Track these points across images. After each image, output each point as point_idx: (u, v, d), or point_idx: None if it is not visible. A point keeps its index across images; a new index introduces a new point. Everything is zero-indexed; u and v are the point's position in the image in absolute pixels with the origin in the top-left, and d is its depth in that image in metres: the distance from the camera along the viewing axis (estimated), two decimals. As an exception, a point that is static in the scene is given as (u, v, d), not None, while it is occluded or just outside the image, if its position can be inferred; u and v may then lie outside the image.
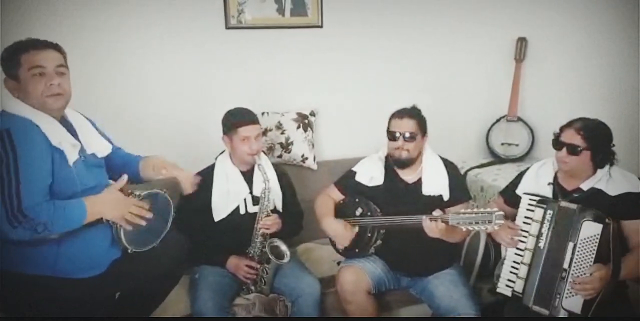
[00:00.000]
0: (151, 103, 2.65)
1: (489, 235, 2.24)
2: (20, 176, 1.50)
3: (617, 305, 1.86)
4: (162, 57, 2.63)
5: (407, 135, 2.14)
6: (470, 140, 3.32)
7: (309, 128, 2.82)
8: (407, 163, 2.18)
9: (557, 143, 1.92)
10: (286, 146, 2.76)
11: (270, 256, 2.21)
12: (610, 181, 1.91)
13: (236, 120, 2.22)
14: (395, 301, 2.28)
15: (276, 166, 2.41)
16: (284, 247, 2.22)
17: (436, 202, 2.14)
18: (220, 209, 2.25)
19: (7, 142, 1.51)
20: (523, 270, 1.95)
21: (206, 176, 2.29)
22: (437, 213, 1.99)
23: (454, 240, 2.13)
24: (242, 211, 2.27)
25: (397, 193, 2.21)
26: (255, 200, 2.26)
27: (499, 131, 3.21)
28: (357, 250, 2.23)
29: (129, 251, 1.75)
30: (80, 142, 1.71)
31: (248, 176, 2.29)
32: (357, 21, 2.93)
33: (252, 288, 2.23)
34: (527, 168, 2.12)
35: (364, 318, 2.16)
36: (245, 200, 2.27)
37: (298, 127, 2.78)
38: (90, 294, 1.70)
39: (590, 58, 2.90)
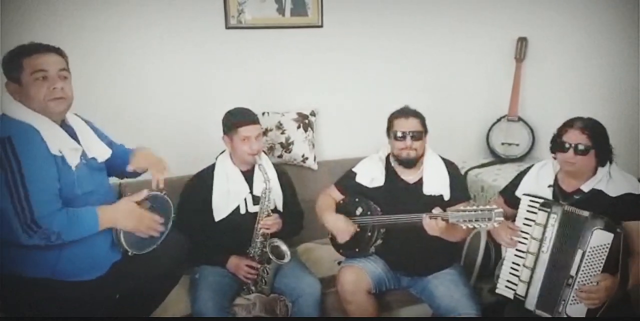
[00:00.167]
0: (151, 103, 2.64)
1: (489, 235, 2.24)
2: (28, 184, 1.50)
3: (617, 305, 1.86)
4: (162, 57, 2.63)
5: (415, 134, 2.14)
6: (470, 140, 3.32)
7: (309, 128, 2.82)
8: (413, 163, 2.18)
9: (561, 145, 1.89)
10: (286, 146, 2.76)
11: (270, 256, 2.21)
12: (611, 182, 1.90)
13: (237, 120, 2.21)
14: (396, 301, 2.28)
15: (276, 166, 2.41)
16: (284, 247, 2.22)
17: (437, 202, 2.14)
18: (221, 209, 2.25)
19: (9, 150, 1.51)
20: (525, 274, 1.94)
21: (206, 176, 2.29)
22: (437, 211, 1.99)
23: (454, 238, 2.13)
24: (242, 211, 2.27)
25: (398, 193, 2.21)
26: (256, 200, 2.26)
27: (500, 131, 3.21)
28: (357, 250, 2.23)
29: (129, 253, 1.75)
30: (81, 146, 1.71)
31: (248, 176, 2.29)
32: (357, 21, 2.93)
33: (253, 288, 2.23)
34: (527, 168, 2.12)
35: (364, 318, 2.16)
36: (245, 199, 2.27)
37: (298, 127, 2.78)
38: (90, 296, 1.70)
39: (590, 58, 2.90)
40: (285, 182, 2.39)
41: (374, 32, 2.97)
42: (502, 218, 1.88)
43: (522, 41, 3.12)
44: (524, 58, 3.13)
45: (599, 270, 1.79)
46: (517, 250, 1.98)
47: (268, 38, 2.79)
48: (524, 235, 1.96)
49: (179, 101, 2.70)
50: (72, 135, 1.71)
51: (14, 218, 1.49)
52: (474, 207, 1.91)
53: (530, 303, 1.93)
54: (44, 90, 1.61)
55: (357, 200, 2.24)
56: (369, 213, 2.19)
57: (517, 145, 3.17)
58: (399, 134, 2.15)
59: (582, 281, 1.81)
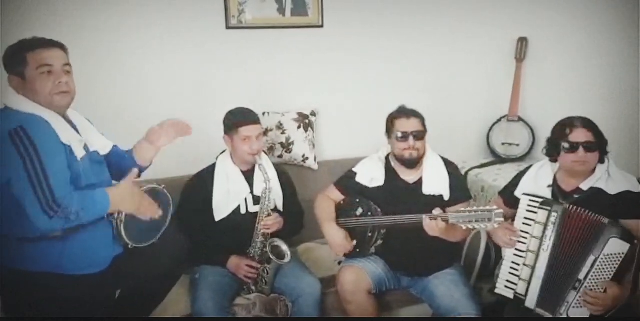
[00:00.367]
0: (151, 103, 2.64)
1: (489, 236, 2.24)
2: (46, 167, 1.52)
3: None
4: (162, 57, 2.63)
5: (417, 134, 2.15)
6: (470, 140, 3.32)
7: (309, 128, 2.82)
8: (415, 163, 2.18)
9: (570, 146, 1.87)
10: (287, 146, 2.76)
11: (270, 256, 2.21)
12: (610, 180, 1.90)
13: (237, 119, 2.22)
14: (396, 301, 2.28)
15: (276, 165, 2.41)
16: (284, 247, 2.21)
17: (437, 202, 2.14)
18: (221, 209, 2.25)
19: (24, 138, 1.52)
20: (526, 272, 1.94)
21: (206, 176, 2.29)
22: (437, 211, 1.99)
23: (454, 239, 2.13)
24: (242, 211, 2.27)
25: (398, 193, 2.21)
26: (256, 200, 2.26)
27: (500, 131, 3.21)
28: (357, 250, 2.23)
29: (130, 246, 1.76)
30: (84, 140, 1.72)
31: (249, 176, 2.29)
32: (358, 21, 2.93)
33: (253, 288, 2.23)
34: (526, 169, 2.12)
35: (364, 318, 2.16)
36: (246, 199, 2.27)
37: (299, 127, 2.78)
38: (91, 292, 1.70)
39: (590, 58, 2.90)
40: (285, 181, 2.39)
41: (374, 32, 2.97)
42: (502, 219, 1.88)
43: (523, 41, 3.12)
44: (524, 58, 3.13)
45: (608, 278, 1.78)
46: (516, 249, 1.98)
47: (268, 38, 2.79)
48: (523, 234, 1.96)
49: (179, 101, 2.69)
50: (74, 128, 1.73)
51: (34, 203, 1.50)
52: (474, 208, 1.91)
53: (531, 302, 1.92)
54: (49, 84, 1.63)
55: (357, 200, 2.24)
56: (369, 213, 2.19)
57: (518, 145, 3.17)
58: (402, 134, 2.15)
59: (589, 286, 1.80)
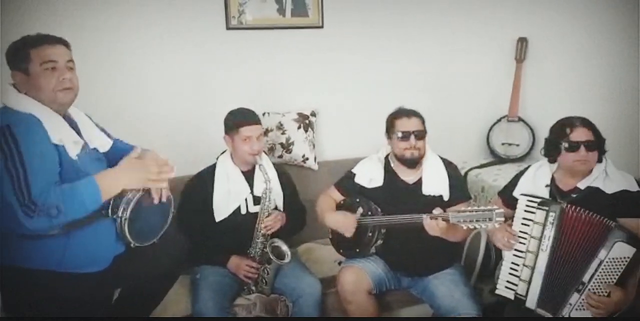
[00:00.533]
0: (151, 103, 2.64)
1: (488, 236, 2.24)
2: (27, 167, 1.51)
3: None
4: (162, 57, 2.63)
5: (418, 133, 2.15)
6: (470, 140, 3.32)
7: (309, 129, 2.81)
8: (416, 163, 2.18)
9: (571, 146, 1.88)
10: (287, 146, 2.76)
11: (271, 256, 2.21)
12: (607, 179, 1.91)
13: (238, 120, 2.22)
14: (396, 301, 2.28)
15: (277, 165, 2.41)
16: (284, 247, 2.21)
17: (436, 202, 2.14)
18: (222, 209, 2.25)
19: (8, 137, 1.51)
20: (526, 273, 1.94)
21: (207, 176, 2.29)
22: (437, 211, 1.99)
23: (454, 238, 2.13)
24: (243, 211, 2.27)
25: (397, 194, 2.21)
26: (256, 200, 2.26)
27: (500, 131, 3.21)
28: (357, 250, 2.23)
29: (132, 245, 1.75)
30: (83, 138, 1.72)
31: (249, 176, 2.29)
32: (358, 21, 2.93)
33: (253, 288, 2.23)
34: (525, 169, 2.12)
35: (364, 318, 2.16)
36: (246, 200, 2.27)
37: (299, 128, 2.78)
38: (91, 290, 1.70)
39: (590, 58, 2.90)
40: (285, 181, 2.39)
41: (374, 32, 2.97)
42: (502, 219, 1.87)
43: (523, 41, 3.12)
44: (525, 58, 3.13)
45: (612, 281, 1.78)
46: (516, 250, 1.97)
47: (268, 38, 2.79)
48: (522, 235, 1.96)
49: (179, 101, 2.70)
50: (74, 127, 1.72)
51: (15, 203, 1.49)
52: (475, 208, 1.90)
53: (531, 302, 1.92)
54: (53, 80, 1.62)
55: (357, 200, 2.24)
56: (369, 213, 2.19)
57: (518, 145, 3.17)
58: (403, 134, 2.15)
59: (593, 289, 1.80)
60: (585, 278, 1.81)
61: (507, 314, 2.05)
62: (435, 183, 2.20)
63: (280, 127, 2.76)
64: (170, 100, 2.68)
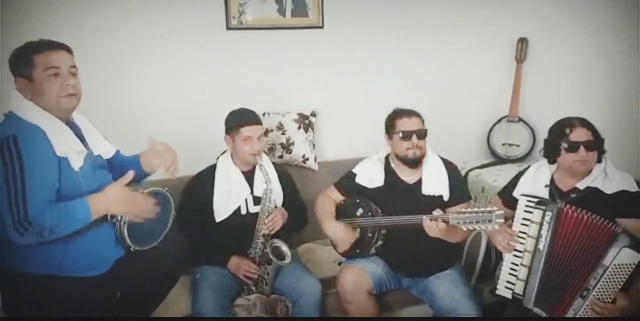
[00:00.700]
0: (151, 103, 2.64)
1: (488, 237, 2.24)
2: (27, 184, 1.51)
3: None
4: (162, 57, 2.63)
5: (420, 132, 2.15)
6: (471, 140, 3.32)
7: (309, 129, 2.81)
8: (418, 162, 2.18)
9: (571, 146, 1.88)
10: (287, 146, 2.76)
11: (271, 257, 2.21)
12: (606, 179, 1.91)
13: (239, 120, 2.22)
14: (396, 301, 2.28)
15: (277, 165, 2.41)
16: (284, 248, 2.21)
17: (436, 203, 2.14)
18: (222, 209, 2.25)
19: (12, 149, 1.52)
20: (523, 272, 1.94)
21: (207, 176, 2.29)
22: (437, 212, 1.99)
23: (454, 239, 2.13)
24: (243, 211, 2.27)
25: (397, 194, 2.21)
26: (256, 200, 2.26)
27: (500, 131, 3.21)
28: (357, 251, 2.23)
29: (132, 249, 1.75)
30: (86, 145, 1.72)
31: (249, 176, 2.29)
32: (358, 22, 2.93)
33: (253, 288, 2.23)
34: (525, 169, 2.12)
35: (364, 319, 2.16)
36: (246, 200, 2.27)
37: (299, 128, 2.78)
38: (91, 294, 1.70)
39: (590, 58, 2.90)
40: (286, 181, 2.39)
41: (374, 32, 2.97)
42: (502, 220, 1.87)
43: (523, 42, 3.12)
44: (525, 59, 3.13)
45: (616, 288, 1.77)
46: (515, 250, 1.98)
47: (269, 39, 2.79)
48: (521, 235, 1.96)
49: (179, 101, 2.69)
50: (78, 134, 1.72)
51: (8, 217, 1.49)
52: (475, 209, 1.90)
53: (528, 301, 1.92)
54: (57, 86, 1.63)
55: (357, 201, 2.24)
56: (369, 214, 2.19)
57: (518, 145, 3.17)
58: (405, 133, 2.15)
59: (597, 295, 1.79)
60: (590, 284, 1.80)
61: (507, 314, 2.05)
62: (435, 183, 2.20)
63: (280, 127, 2.76)
64: (171, 100, 2.68)
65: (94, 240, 1.68)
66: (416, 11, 3.02)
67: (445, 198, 2.19)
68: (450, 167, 2.26)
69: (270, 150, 2.74)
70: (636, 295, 1.76)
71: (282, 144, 2.75)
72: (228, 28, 2.71)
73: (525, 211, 1.96)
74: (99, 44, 2.48)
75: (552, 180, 2.00)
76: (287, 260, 2.20)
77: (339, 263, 2.32)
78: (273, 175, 2.28)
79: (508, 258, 2.00)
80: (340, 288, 2.16)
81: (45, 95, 1.62)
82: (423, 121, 2.21)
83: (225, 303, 2.12)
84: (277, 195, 2.30)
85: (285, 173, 2.44)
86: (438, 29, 3.09)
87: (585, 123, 1.91)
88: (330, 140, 3.01)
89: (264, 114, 2.71)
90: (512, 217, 2.02)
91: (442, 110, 3.05)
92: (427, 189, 2.19)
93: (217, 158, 2.34)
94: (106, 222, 1.68)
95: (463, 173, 2.90)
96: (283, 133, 2.76)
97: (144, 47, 2.58)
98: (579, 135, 1.88)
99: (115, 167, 1.89)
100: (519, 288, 1.95)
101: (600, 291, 1.79)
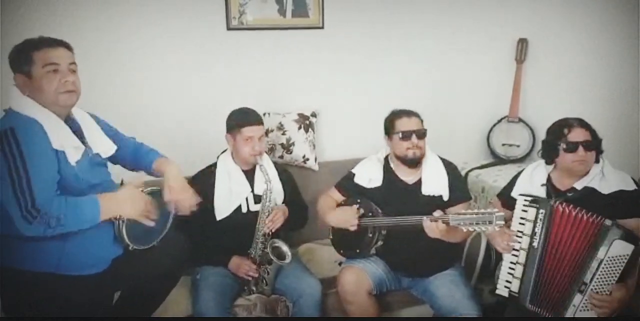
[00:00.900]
0: (151, 103, 2.64)
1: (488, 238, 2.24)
2: (30, 173, 1.52)
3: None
4: (163, 58, 2.63)
5: (419, 132, 2.15)
6: (471, 141, 3.31)
7: (310, 129, 2.81)
8: (418, 162, 2.18)
9: (569, 146, 1.88)
10: (287, 147, 2.76)
11: (271, 257, 2.20)
12: (604, 179, 1.91)
13: (241, 119, 2.22)
14: (396, 301, 2.28)
15: (277, 164, 2.41)
16: (285, 248, 2.21)
17: (436, 203, 2.14)
18: (223, 208, 2.25)
19: (12, 140, 1.52)
20: (519, 270, 1.95)
21: (207, 175, 2.29)
22: (437, 213, 1.99)
23: (454, 240, 2.13)
24: (243, 209, 2.27)
25: (397, 194, 2.21)
26: (257, 199, 2.25)
27: (500, 132, 3.21)
28: (358, 251, 2.23)
29: (130, 248, 1.75)
30: (85, 143, 1.72)
31: (250, 174, 2.29)
32: (358, 22, 2.93)
33: (254, 288, 2.23)
34: (522, 170, 2.12)
35: (364, 319, 2.16)
36: (247, 198, 2.27)
37: (299, 128, 2.78)
38: (90, 292, 1.70)
39: (590, 58, 2.90)
40: (286, 178, 2.39)
41: (374, 32, 2.97)
42: (502, 222, 1.87)
43: (523, 42, 3.12)
44: (525, 59, 3.13)
45: (613, 280, 1.78)
46: (513, 249, 1.98)
47: (269, 39, 2.79)
48: (519, 234, 1.96)
49: (180, 101, 2.69)
50: (77, 130, 1.72)
51: (14, 207, 1.50)
52: (475, 210, 1.90)
53: (524, 299, 1.93)
54: (55, 83, 1.63)
55: (358, 201, 2.24)
56: (370, 214, 2.19)
57: (518, 146, 3.17)
58: (404, 133, 2.15)
59: (595, 289, 1.80)
60: (587, 278, 1.82)
61: (508, 314, 2.05)
62: (434, 183, 2.20)
63: (280, 127, 2.76)
64: (171, 100, 2.68)
65: (92, 238, 1.68)
66: (416, 11, 3.02)
67: (445, 198, 2.19)
68: (450, 167, 2.26)
69: (271, 150, 2.74)
70: (632, 284, 1.78)
71: (282, 144, 2.75)
72: (228, 28, 2.70)
73: (522, 210, 1.97)
74: (99, 43, 2.48)
75: (548, 179, 2.01)
76: (288, 260, 2.20)
77: (339, 263, 2.32)
78: (273, 174, 2.28)
79: (507, 258, 2.01)
80: (341, 288, 2.16)
81: (43, 91, 1.63)
82: (422, 121, 2.21)
83: (226, 303, 2.12)
84: (277, 193, 2.30)
85: (285, 171, 2.44)
86: (438, 29, 3.09)
87: (583, 123, 1.92)
88: (330, 141, 3.01)
89: (264, 114, 2.71)
90: (511, 218, 2.02)
91: (442, 110, 3.05)
92: (426, 189, 2.19)
93: (218, 157, 2.34)
94: (105, 220, 1.68)
95: (463, 173, 2.90)
96: (283, 134, 2.75)
97: (144, 47, 2.58)
98: (577, 135, 1.89)
99: (127, 156, 1.91)
100: (514, 286, 1.96)
101: (597, 285, 1.80)
